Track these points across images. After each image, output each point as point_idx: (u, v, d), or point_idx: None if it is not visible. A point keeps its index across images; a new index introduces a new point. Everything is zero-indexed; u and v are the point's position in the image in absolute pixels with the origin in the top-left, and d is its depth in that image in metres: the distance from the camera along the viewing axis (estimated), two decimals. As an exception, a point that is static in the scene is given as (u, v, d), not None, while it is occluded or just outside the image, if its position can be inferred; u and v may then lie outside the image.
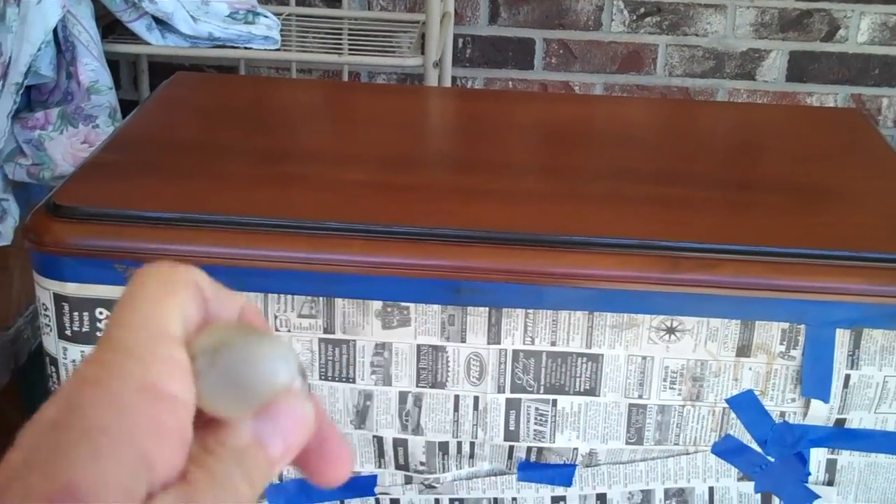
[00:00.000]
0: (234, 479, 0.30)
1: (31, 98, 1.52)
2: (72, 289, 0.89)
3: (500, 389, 0.91)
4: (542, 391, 0.91)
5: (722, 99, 2.10)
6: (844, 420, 0.91)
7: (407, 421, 0.93)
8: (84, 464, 0.27)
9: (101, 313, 0.90)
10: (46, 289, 0.90)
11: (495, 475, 0.96)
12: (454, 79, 2.07)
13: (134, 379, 0.29)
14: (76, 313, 0.90)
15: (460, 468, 0.96)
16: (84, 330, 0.90)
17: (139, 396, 0.29)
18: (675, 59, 2.08)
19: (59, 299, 0.90)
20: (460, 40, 2.08)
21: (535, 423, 0.93)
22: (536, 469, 0.95)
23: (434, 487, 0.96)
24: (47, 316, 0.91)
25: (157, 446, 0.29)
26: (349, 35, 1.91)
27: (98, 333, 0.90)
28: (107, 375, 0.29)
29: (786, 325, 0.88)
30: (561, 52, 2.08)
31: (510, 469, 0.95)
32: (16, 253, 1.51)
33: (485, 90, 2.05)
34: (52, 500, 0.26)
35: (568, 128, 1.19)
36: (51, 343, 0.92)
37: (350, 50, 1.85)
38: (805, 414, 0.91)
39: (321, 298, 0.89)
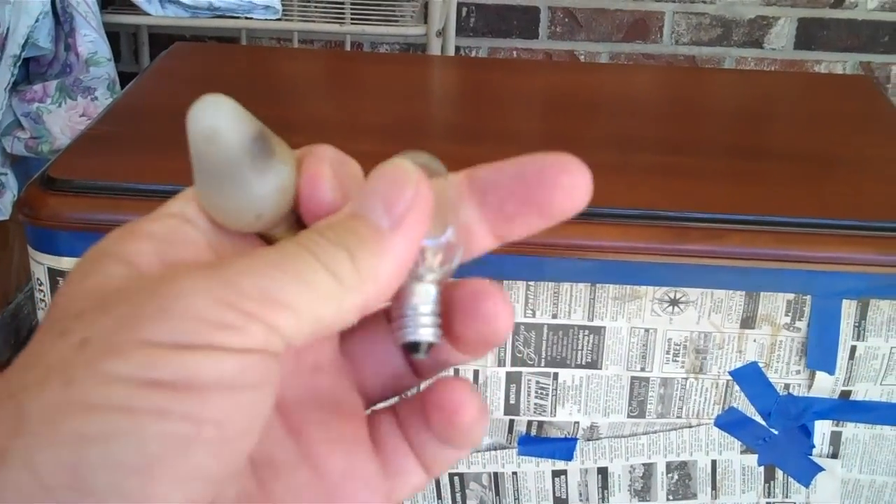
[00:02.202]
0: (330, 253, 0.27)
1: (30, 70, 1.51)
2: (67, 263, 0.88)
3: (501, 363, 0.90)
4: (543, 364, 0.90)
5: (729, 67, 2.08)
6: (850, 392, 0.90)
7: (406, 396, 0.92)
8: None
9: (96, 287, 0.89)
10: (41, 263, 0.89)
11: (495, 449, 0.95)
12: (458, 48, 2.05)
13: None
14: (72, 287, 0.88)
15: (461, 442, 0.95)
16: (80, 304, 0.89)
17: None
18: (682, 27, 2.06)
19: (53, 274, 0.88)
20: (464, 9, 2.05)
21: (536, 397, 0.92)
22: (537, 443, 0.94)
23: (435, 461, 0.95)
24: (42, 290, 0.90)
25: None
26: (351, 4, 1.89)
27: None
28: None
29: (791, 297, 0.87)
30: (566, 20, 2.06)
31: (510, 443, 0.95)
32: (15, 228, 1.50)
33: (488, 59, 2.03)
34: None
35: (572, 97, 1.17)
36: (47, 317, 0.91)
37: (352, 19, 1.83)
38: (810, 386, 0.90)
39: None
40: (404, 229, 0.28)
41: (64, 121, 1.46)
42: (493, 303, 0.30)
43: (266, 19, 1.70)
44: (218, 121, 0.27)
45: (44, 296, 0.90)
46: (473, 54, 2.09)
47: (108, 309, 0.25)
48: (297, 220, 0.30)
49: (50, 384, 0.24)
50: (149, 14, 1.63)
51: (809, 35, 2.06)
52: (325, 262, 0.26)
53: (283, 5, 1.75)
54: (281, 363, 0.26)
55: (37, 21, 1.40)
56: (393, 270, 0.27)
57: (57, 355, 0.25)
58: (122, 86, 1.50)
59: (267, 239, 0.30)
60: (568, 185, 0.30)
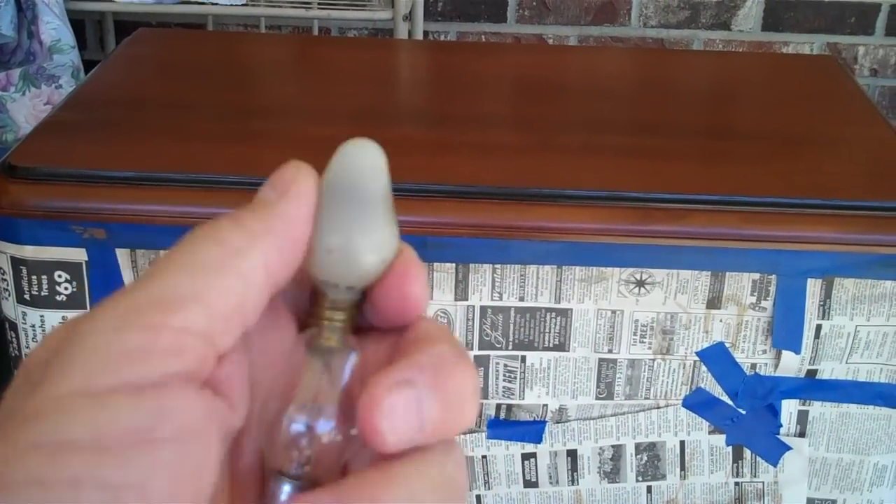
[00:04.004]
0: (209, 223, 0.27)
1: (-7, 58, 1.49)
2: (29, 251, 0.87)
3: (469, 346, 0.90)
4: (510, 347, 0.90)
5: (697, 49, 2.08)
6: (816, 371, 0.91)
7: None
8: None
9: (59, 276, 0.88)
10: (4, 252, 0.88)
11: (465, 433, 0.95)
12: (426, 33, 2.05)
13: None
14: (34, 277, 0.88)
15: (431, 426, 0.95)
16: (43, 294, 0.88)
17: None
18: (650, 10, 2.06)
19: (16, 263, 0.88)
20: (432, -7, 2.05)
21: (504, 380, 0.92)
22: (506, 426, 0.94)
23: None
24: (5, 280, 0.89)
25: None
26: (318, -11, 1.88)
27: (57, 297, 0.88)
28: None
29: (756, 276, 0.87)
30: (534, 3, 2.05)
31: (479, 427, 0.95)
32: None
33: (456, 42, 2.02)
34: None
35: (540, 80, 1.17)
36: (9, 308, 0.90)
37: (319, 4, 1.82)
38: (776, 365, 0.90)
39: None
40: (289, 195, 0.28)
41: (28, 109, 1.44)
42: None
43: (232, 5, 1.69)
44: (379, 160, 0.29)
45: (7, 285, 0.89)
46: (442, 39, 2.09)
47: (30, 377, 0.24)
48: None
49: None
50: (113, 0, 1.62)
51: (776, 17, 2.06)
52: (210, 234, 0.26)
53: (249, -10, 1.73)
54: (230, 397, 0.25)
55: (-1, 8, 1.39)
56: (283, 227, 0.27)
57: None
58: (87, 74, 1.49)
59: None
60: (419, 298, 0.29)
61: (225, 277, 0.25)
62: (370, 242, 0.29)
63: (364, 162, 0.29)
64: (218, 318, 0.25)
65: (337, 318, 0.29)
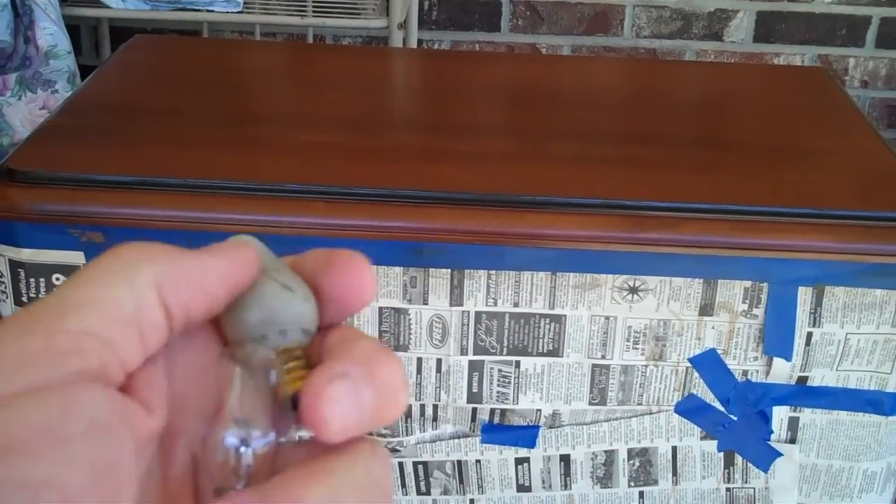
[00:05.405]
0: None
1: (-11, 63, 1.50)
2: (27, 254, 0.88)
3: (463, 351, 0.91)
4: (504, 353, 0.91)
5: (689, 60, 2.09)
6: (807, 378, 0.92)
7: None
8: None
9: (57, 279, 0.88)
10: (1, 255, 0.88)
11: (459, 438, 0.96)
12: (420, 41, 2.06)
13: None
14: (32, 279, 0.88)
15: (424, 431, 0.95)
16: (41, 296, 0.89)
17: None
18: (643, 20, 2.07)
19: (14, 265, 0.88)
20: (426, 2, 2.06)
21: (499, 385, 0.92)
22: (500, 431, 0.95)
23: (398, 451, 0.96)
24: (3, 283, 0.89)
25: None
26: (313, -3, 1.88)
27: (55, 300, 0.89)
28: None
29: (748, 284, 0.88)
30: (528, 13, 2.07)
31: (474, 431, 0.95)
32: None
33: (450, 51, 2.03)
34: None
35: (534, 89, 1.18)
36: (7, 310, 0.90)
37: (314, 12, 1.83)
38: (767, 372, 0.91)
39: (281, 262, 0.88)
40: (215, 252, 0.29)
41: (24, 114, 1.45)
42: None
43: (227, 12, 1.69)
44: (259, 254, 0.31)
45: (5, 287, 0.89)
46: (436, 47, 2.10)
47: None
48: None
49: None
50: (109, 7, 1.62)
51: (768, 28, 2.08)
52: (115, 252, 0.28)
53: (244, -2, 1.74)
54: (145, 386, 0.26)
55: (-5, 13, 1.39)
56: (201, 264, 0.28)
57: None
58: (83, 79, 1.49)
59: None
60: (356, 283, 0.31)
61: (116, 287, 0.26)
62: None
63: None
64: (113, 324, 0.26)
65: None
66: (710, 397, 0.92)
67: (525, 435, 0.95)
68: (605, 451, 0.96)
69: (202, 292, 0.28)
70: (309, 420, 0.27)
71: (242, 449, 0.27)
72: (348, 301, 0.30)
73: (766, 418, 0.93)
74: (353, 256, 0.31)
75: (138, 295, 0.27)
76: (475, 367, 0.92)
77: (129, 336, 0.27)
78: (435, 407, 0.94)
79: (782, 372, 0.91)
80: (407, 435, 0.95)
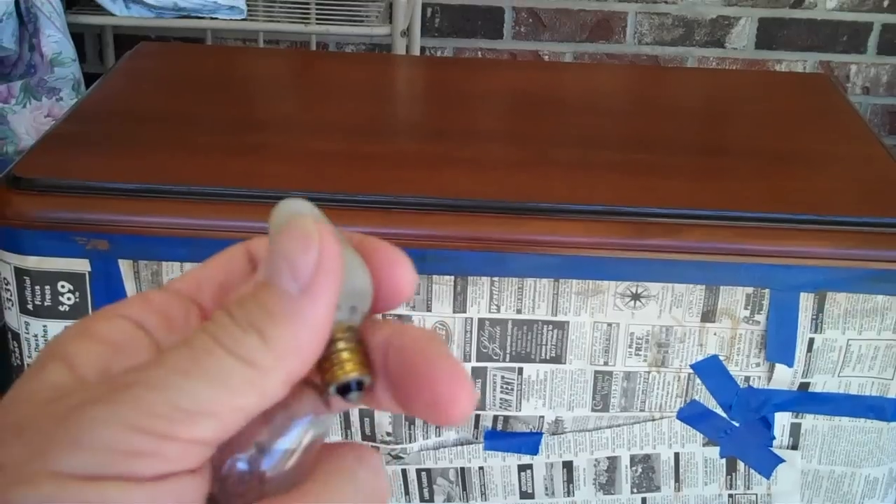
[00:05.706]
0: (240, 340, 0.26)
1: (-6, 71, 1.51)
2: (33, 262, 0.88)
3: (467, 358, 0.91)
4: (507, 359, 0.91)
5: (691, 66, 2.10)
6: (808, 384, 0.92)
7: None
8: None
9: (62, 287, 0.89)
10: (7, 262, 0.89)
11: (462, 444, 0.96)
12: (423, 49, 2.06)
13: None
14: (38, 287, 0.89)
15: (427, 438, 0.96)
16: (46, 304, 0.89)
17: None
18: (645, 27, 2.08)
19: (20, 273, 0.89)
20: (429, 9, 2.06)
21: (502, 392, 0.93)
22: (503, 437, 0.95)
23: (401, 458, 0.96)
24: (8, 290, 0.90)
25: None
26: (316, 4, 1.89)
27: (60, 307, 0.89)
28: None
29: (750, 290, 0.89)
30: (530, 20, 2.07)
31: (477, 438, 0.96)
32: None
33: (453, 58, 2.04)
34: None
35: (536, 95, 1.18)
36: (12, 317, 0.91)
37: (317, 19, 1.84)
38: (769, 378, 0.92)
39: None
40: (315, 292, 0.26)
41: (29, 121, 1.45)
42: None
43: (231, 19, 1.70)
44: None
45: (10, 295, 0.90)
46: (439, 54, 2.10)
47: (23, 433, 0.25)
48: None
49: None
50: (113, 14, 1.63)
51: (770, 35, 2.08)
52: (237, 351, 0.25)
53: (248, 5, 1.75)
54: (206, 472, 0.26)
55: (0, 21, 1.40)
56: (310, 337, 0.26)
57: None
58: (88, 86, 1.50)
59: None
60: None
61: (246, 397, 0.26)
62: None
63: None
64: (228, 430, 0.26)
65: None
66: (712, 403, 0.93)
67: (528, 442, 0.95)
68: (608, 458, 0.96)
69: (314, 356, 0.28)
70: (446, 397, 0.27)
71: (253, 474, 0.27)
72: (387, 297, 0.29)
73: (768, 424, 0.94)
74: (399, 252, 0.29)
75: (265, 400, 0.26)
76: (478, 374, 0.92)
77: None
78: (438, 413, 0.94)
79: (784, 378, 0.91)
80: (410, 442, 0.96)
